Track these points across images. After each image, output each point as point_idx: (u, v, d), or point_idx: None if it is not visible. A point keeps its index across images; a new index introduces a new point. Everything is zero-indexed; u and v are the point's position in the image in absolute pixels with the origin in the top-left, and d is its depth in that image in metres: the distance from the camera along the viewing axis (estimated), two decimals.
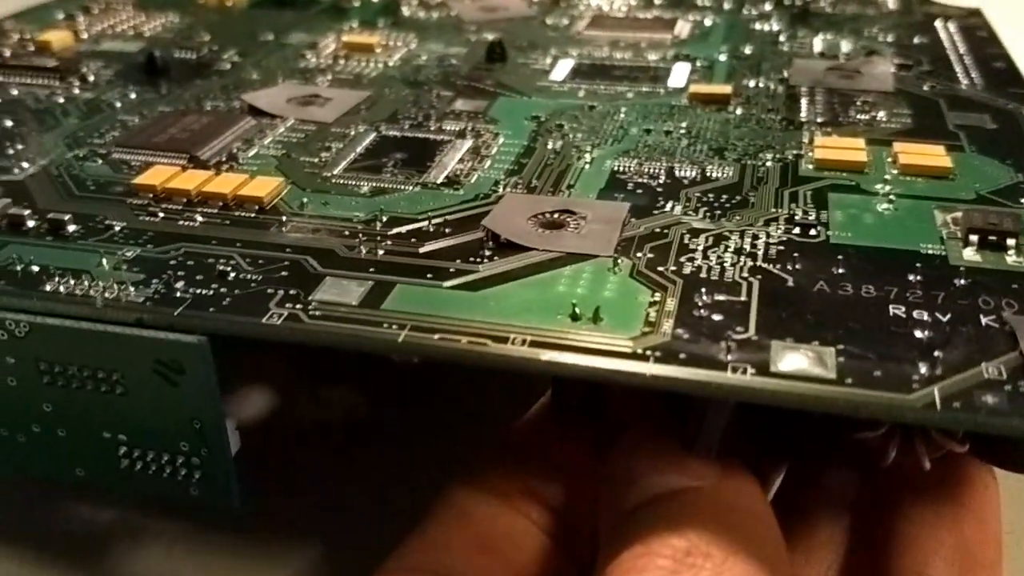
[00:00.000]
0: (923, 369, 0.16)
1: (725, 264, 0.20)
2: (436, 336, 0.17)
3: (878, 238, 0.21)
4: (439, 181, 0.24)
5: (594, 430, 0.20)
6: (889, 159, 0.25)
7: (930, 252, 0.20)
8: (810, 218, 0.22)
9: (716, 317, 0.18)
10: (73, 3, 0.41)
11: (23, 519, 0.26)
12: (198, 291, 0.19)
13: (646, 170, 0.24)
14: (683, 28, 0.38)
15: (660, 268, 0.19)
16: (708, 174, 0.24)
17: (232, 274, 0.19)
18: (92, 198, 0.23)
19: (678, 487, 0.18)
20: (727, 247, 0.20)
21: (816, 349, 0.17)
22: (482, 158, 0.25)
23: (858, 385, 0.16)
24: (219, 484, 0.20)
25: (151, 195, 0.23)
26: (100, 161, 0.26)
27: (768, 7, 0.41)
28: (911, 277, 0.19)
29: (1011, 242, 0.20)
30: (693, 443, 0.18)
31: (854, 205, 0.22)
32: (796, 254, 0.20)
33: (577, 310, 0.18)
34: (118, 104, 0.30)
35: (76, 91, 0.31)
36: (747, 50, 0.35)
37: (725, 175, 0.24)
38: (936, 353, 0.16)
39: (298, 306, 0.18)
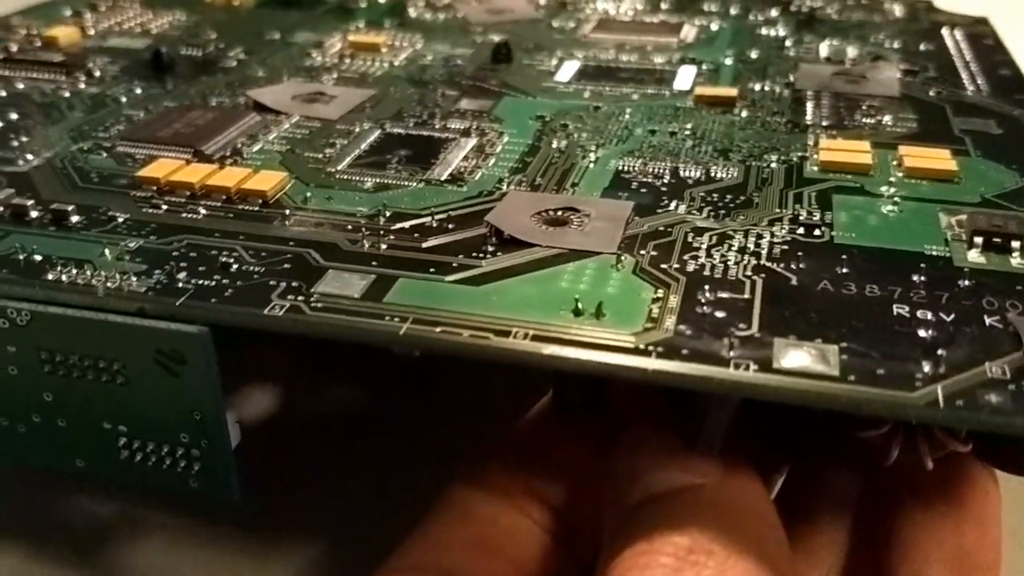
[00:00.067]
0: (926, 367, 0.16)
1: (729, 262, 0.19)
2: (438, 329, 0.17)
3: (882, 239, 0.21)
4: (443, 178, 0.24)
5: (596, 427, 0.20)
6: (894, 162, 0.25)
7: (934, 254, 0.20)
8: (814, 219, 0.21)
9: (719, 314, 0.18)
10: (81, 0, 0.42)
11: (24, 512, 0.26)
12: (200, 282, 0.19)
13: (651, 170, 0.24)
14: (689, 32, 0.38)
15: (663, 265, 0.19)
16: (713, 175, 0.24)
17: (235, 266, 0.19)
18: (96, 190, 0.23)
19: (681, 484, 0.18)
20: (731, 246, 0.20)
21: (819, 346, 0.16)
22: (486, 156, 0.25)
23: (861, 382, 0.16)
24: (219, 476, 0.20)
25: (155, 188, 0.23)
26: (104, 154, 0.26)
27: (774, 13, 0.41)
28: (915, 278, 0.19)
29: (1016, 245, 0.20)
30: (695, 440, 0.18)
31: (858, 207, 0.22)
32: (800, 254, 0.20)
33: (580, 305, 0.18)
34: (123, 99, 0.30)
35: (82, 86, 0.31)
36: (753, 55, 0.35)
37: (730, 176, 0.24)
38: (939, 352, 0.16)
39: (300, 298, 0.18)
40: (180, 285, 0.19)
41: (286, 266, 0.19)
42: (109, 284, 0.19)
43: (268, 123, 0.28)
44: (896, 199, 0.23)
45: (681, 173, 0.24)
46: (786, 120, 0.28)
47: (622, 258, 0.20)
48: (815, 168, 0.24)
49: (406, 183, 0.24)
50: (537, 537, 0.20)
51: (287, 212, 0.22)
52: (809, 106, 0.29)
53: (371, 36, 0.36)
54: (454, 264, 0.19)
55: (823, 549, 0.20)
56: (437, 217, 0.22)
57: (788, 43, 0.37)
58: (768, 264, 0.19)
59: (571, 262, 0.20)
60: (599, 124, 0.28)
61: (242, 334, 0.18)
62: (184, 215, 0.22)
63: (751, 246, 0.20)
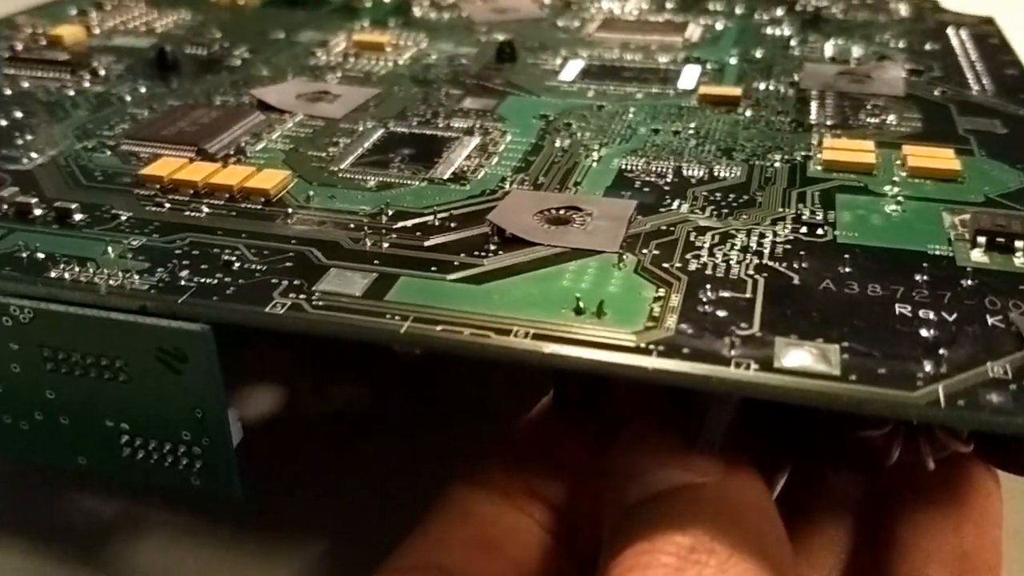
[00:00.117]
0: (928, 367, 0.16)
1: (731, 262, 0.19)
2: (438, 328, 0.17)
3: (885, 239, 0.21)
4: (446, 177, 0.24)
5: (596, 426, 0.20)
6: (898, 161, 0.25)
7: (937, 253, 0.20)
8: (817, 218, 0.21)
9: (720, 313, 0.18)
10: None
11: (27, 510, 0.26)
12: (202, 280, 0.19)
13: (654, 169, 0.24)
14: (694, 32, 0.38)
15: (665, 264, 0.19)
16: (716, 174, 0.24)
17: (237, 264, 0.19)
18: (99, 188, 0.23)
19: (681, 483, 0.18)
20: (733, 245, 0.20)
21: (820, 346, 0.16)
22: (489, 155, 0.25)
23: (862, 382, 0.16)
24: (220, 474, 0.20)
25: (158, 186, 0.23)
26: (109, 152, 0.26)
27: (780, 12, 0.41)
28: (918, 277, 0.19)
29: (1019, 244, 0.20)
30: (696, 439, 0.18)
31: (862, 206, 0.22)
32: (802, 253, 0.20)
33: (581, 304, 0.18)
34: (128, 98, 0.30)
35: (87, 84, 0.31)
36: (758, 54, 0.35)
37: (733, 175, 0.24)
38: (941, 351, 0.16)
39: (301, 296, 0.18)
40: (182, 283, 0.19)
41: (288, 264, 0.19)
42: (111, 282, 0.19)
43: (272, 122, 0.28)
44: (899, 198, 0.23)
45: (684, 172, 0.24)
46: (790, 119, 0.28)
47: (624, 257, 0.20)
48: (819, 167, 0.24)
49: (409, 182, 0.24)
50: (538, 536, 0.20)
51: (289, 211, 0.22)
52: (813, 105, 0.29)
53: (376, 35, 0.36)
54: (456, 263, 0.19)
55: (824, 549, 0.20)
56: (439, 216, 0.22)
57: (793, 42, 0.37)
58: (770, 263, 0.19)
59: (573, 261, 0.20)
60: (603, 123, 0.28)
61: (244, 332, 0.18)
62: (187, 213, 0.22)
63: (753, 245, 0.20)
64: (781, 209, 0.22)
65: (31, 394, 0.20)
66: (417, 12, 0.41)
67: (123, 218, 0.22)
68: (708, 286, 0.18)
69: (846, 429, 0.18)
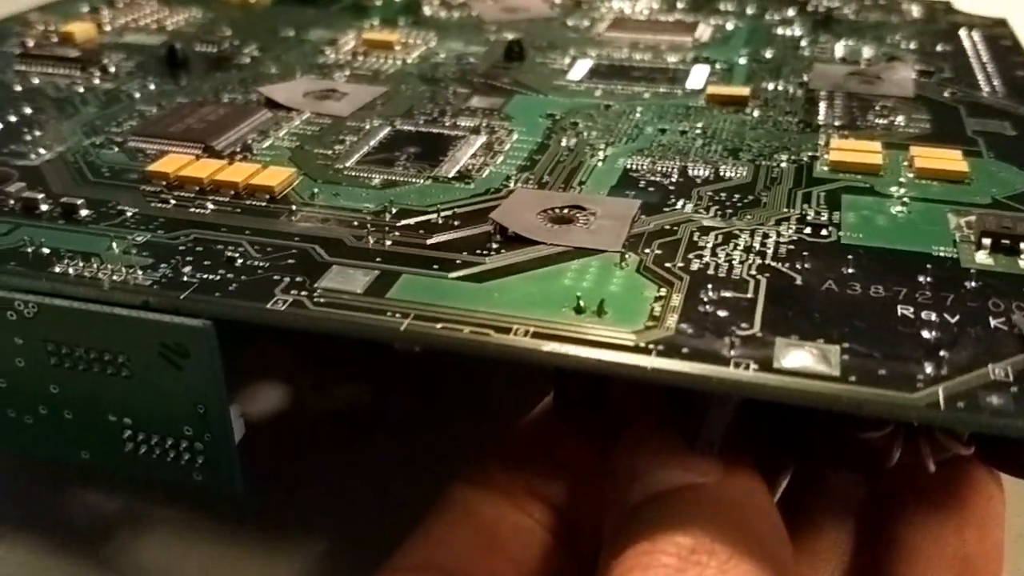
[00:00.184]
0: (928, 369, 0.16)
1: (733, 262, 0.19)
2: (439, 325, 0.17)
3: (890, 240, 0.20)
4: (450, 175, 0.24)
5: (597, 425, 0.20)
6: (905, 163, 0.24)
7: (942, 254, 0.20)
8: (822, 218, 0.21)
9: (721, 313, 0.18)
10: None
11: (31, 506, 0.26)
12: (205, 276, 0.19)
13: (659, 169, 0.24)
14: (704, 32, 0.38)
15: (667, 264, 0.19)
16: (721, 174, 0.24)
17: (239, 260, 0.20)
18: (106, 184, 0.24)
19: (682, 483, 0.18)
20: (736, 245, 0.20)
21: (821, 346, 0.16)
22: (494, 154, 0.25)
23: (862, 383, 0.15)
24: (222, 470, 0.20)
25: (164, 182, 0.23)
26: (116, 149, 0.26)
27: (791, 13, 0.41)
28: (921, 278, 0.19)
29: None
30: (695, 439, 0.18)
31: (867, 207, 0.22)
32: (806, 253, 0.20)
33: (581, 303, 0.18)
34: (137, 95, 0.30)
35: (96, 81, 0.32)
36: (768, 54, 0.35)
37: (738, 175, 0.24)
38: (942, 353, 0.16)
39: (303, 293, 0.18)
40: (185, 279, 0.19)
41: (290, 261, 0.20)
42: (115, 277, 0.19)
43: (279, 119, 0.28)
44: (905, 200, 0.22)
45: (690, 172, 0.24)
46: (798, 120, 0.28)
47: (626, 256, 0.20)
48: (825, 168, 0.24)
49: (414, 180, 0.24)
50: (539, 536, 0.20)
51: (294, 208, 0.22)
52: (822, 106, 0.29)
53: (385, 34, 0.37)
54: (458, 261, 0.19)
55: (826, 551, 0.20)
56: (443, 214, 0.22)
57: (804, 43, 0.37)
58: (773, 264, 0.19)
59: (575, 260, 0.20)
60: (609, 123, 0.28)
61: (246, 329, 0.18)
62: (192, 210, 0.22)
63: (757, 245, 0.20)
64: (786, 209, 0.22)
65: (35, 388, 0.20)
66: (427, 11, 0.41)
67: (128, 214, 0.22)
68: (710, 286, 0.18)
69: (847, 430, 0.18)
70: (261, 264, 0.19)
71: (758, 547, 0.16)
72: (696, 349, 0.16)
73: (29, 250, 0.20)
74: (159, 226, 0.21)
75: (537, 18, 0.40)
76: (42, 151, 0.25)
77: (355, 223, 0.21)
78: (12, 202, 0.22)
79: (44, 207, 0.22)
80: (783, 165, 0.25)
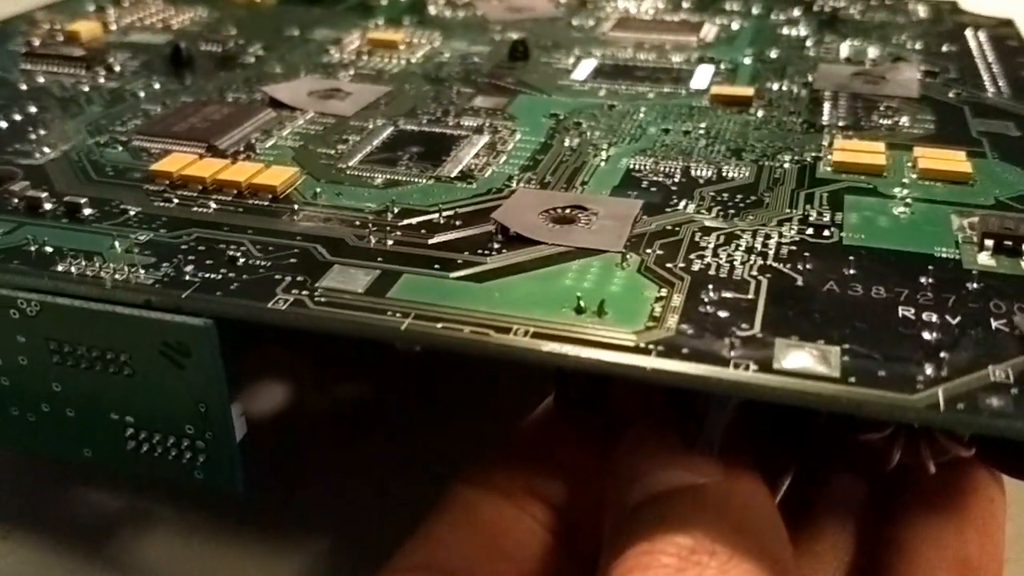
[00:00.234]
0: (928, 370, 0.16)
1: (735, 262, 0.19)
2: (439, 325, 0.17)
3: (892, 241, 0.20)
4: (453, 175, 0.24)
5: (598, 425, 0.20)
6: (909, 163, 0.24)
7: (944, 256, 0.20)
8: (824, 219, 0.21)
9: (722, 314, 0.17)
10: None
11: (34, 504, 0.26)
12: (207, 275, 0.19)
13: (662, 169, 0.24)
14: (709, 31, 0.38)
15: (669, 265, 0.19)
16: (724, 174, 0.24)
17: (241, 260, 0.20)
18: (110, 183, 0.24)
19: (682, 484, 0.18)
20: (738, 246, 0.20)
21: (821, 347, 0.16)
22: (497, 153, 0.25)
23: (861, 384, 0.15)
24: (224, 469, 0.20)
25: (167, 182, 0.23)
26: (120, 148, 0.26)
27: (796, 13, 0.41)
28: (923, 280, 0.19)
29: None
30: (695, 440, 0.18)
31: (870, 208, 0.22)
32: (807, 254, 0.20)
33: (582, 303, 0.18)
34: (142, 94, 0.30)
35: (101, 80, 0.32)
36: (773, 54, 0.35)
37: (741, 175, 0.24)
38: (943, 355, 0.16)
39: (304, 292, 0.18)
40: (187, 278, 0.19)
41: (292, 261, 0.20)
42: (117, 276, 0.19)
43: (283, 119, 0.28)
44: (908, 200, 0.22)
45: (692, 172, 0.24)
46: (802, 120, 0.28)
47: (627, 256, 0.20)
48: (828, 168, 0.24)
49: (416, 180, 0.24)
50: (539, 536, 0.20)
51: (296, 207, 0.22)
52: (826, 106, 0.29)
53: (390, 33, 0.37)
54: (459, 261, 0.20)
55: (827, 552, 0.20)
56: (445, 214, 0.22)
57: (809, 43, 0.37)
58: (774, 264, 0.19)
59: (576, 260, 0.20)
60: (613, 123, 0.28)
61: (248, 330, 0.18)
62: (195, 209, 0.22)
63: (758, 246, 0.20)
64: (788, 210, 0.22)
65: (38, 386, 0.20)
66: (432, 11, 0.41)
67: (131, 213, 0.22)
68: (711, 286, 0.18)
69: (847, 432, 0.18)
70: (263, 263, 0.19)
71: (758, 547, 0.16)
72: (696, 350, 0.16)
73: (32, 249, 0.20)
74: (162, 225, 0.21)
75: (542, 18, 0.40)
76: (46, 150, 0.26)
77: (357, 223, 0.21)
78: (16, 201, 0.22)
79: (48, 206, 0.22)
80: (786, 166, 0.25)
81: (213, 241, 0.20)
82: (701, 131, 0.27)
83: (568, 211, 0.22)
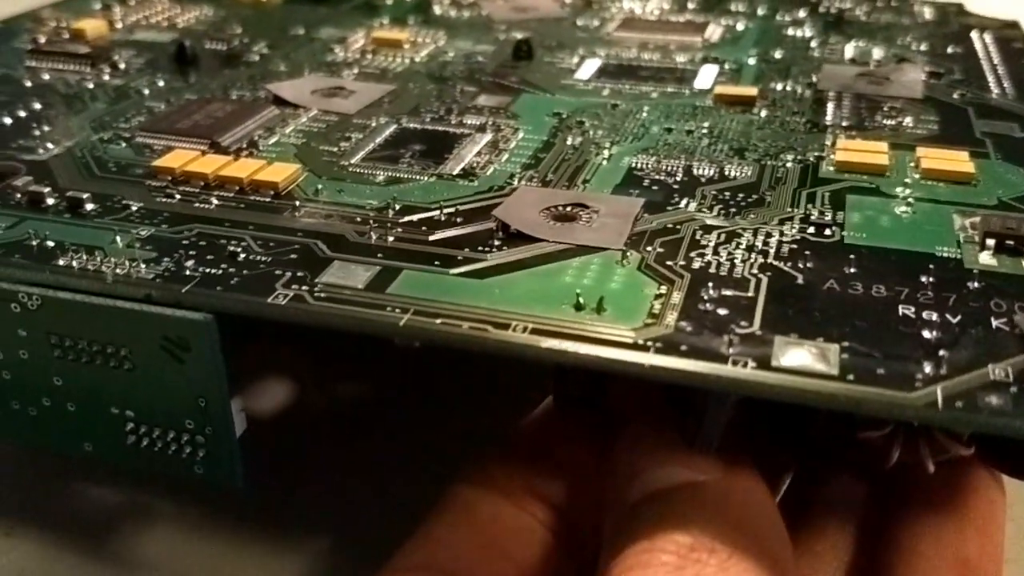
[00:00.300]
0: (928, 368, 0.16)
1: (735, 260, 0.19)
2: (438, 321, 0.17)
3: (893, 240, 0.20)
4: (455, 173, 0.24)
5: (596, 424, 0.20)
6: (912, 163, 0.24)
7: (945, 255, 0.20)
8: (826, 218, 0.21)
9: (721, 311, 0.17)
10: None
11: (36, 499, 0.26)
12: (207, 270, 0.19)
13: (664, 167, 0.24)
14: (714, 32, 0.38)
15: (669, 262, 0.19)
16: (726, 173, 0.24)
17: (242, 255, 0.20)
18: (112, 179, 0.24)
19: (681, 481, 0.18)
20: (739, 244, 0.20)
21: (820, 345, 0.16)
22: (500, 152, 0.25)
23: (860, 382, 0.15)
24: (223, 464, 0.20)
25: (170, 177, 0.23)
26: (124, 144, 0.26)
27: (802, 14, 0.41)
28: (923, 279, 0.19)
29: None
30: (694, 438, 0.18)
31: (872, 207, 0.22)
32: (808, 253, 0.20)
33: (581, 300, 0.18)
34: (146, 91, 0.30)
35: (106, 77, 0.32)
36: (777, 55, 0.35)
37: (743, 174, 0.24)
38: (942, 353, 0.16)
39: (304, 288, 0.18)
40: (187, 273, 0.19)
41: (292, 256, 0.20)
42: (118, 271, 0.19)
43: (286, 116, 0.28)
44: (910, 200, 0.22)
45: (694, 171, 0.24)
46: (805, 120, 0.28)
47: (627, 254, 0.20)
48: (831, 168, 0.24)
49: (418, 177, 0.24)
50: (539, 535, 0.20)
51: (297, 204, 0.22)
52: (830, 107, 0.29)
53: (395, 32, 0.37)
54: (459, 257, 0.20)
55: (827, 552, 0.20)
56: (446, 211, 0.22)
57: (814, 44, 0.37)
58: (775, 263, 0.19)
59: (576, 257, 0.20)
60: (616, 122, 0.28)
61: (249, 325, 0.18)
62: (196, 205, 0.22)
63: (759, 244, 0.20)
64: (790, 209, 0.22)
65: (39, 380, 0.20)
66: (437, 10, 0.41)
67: (133, 208, 0.22)
68: (711, 284, 0.18)
69: (847, 430, 0.18)
70: (263, 259, 0.19)
71: (757, 545, 0.16)
72: (694, 347, 0.16)
73: (34, 243, 0.20)
74: (163, 220, 0.21)
75: (547, 17, 0.40)
76: (50, 146, 0.26)
77: (358, 219, 0.21)
78: (19, 196, 0.22)
79: (50, 201, 0.22)
80: (788, 165, 0.24)
81: (214, 237, 0.20)
82: (704, 130, 0.27)
83: (569, 209, 0.22)
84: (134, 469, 0.21)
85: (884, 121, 0.28)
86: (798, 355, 0.16)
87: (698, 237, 0.20)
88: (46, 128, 0.27)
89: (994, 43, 0.37)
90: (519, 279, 0.19)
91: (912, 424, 0.17)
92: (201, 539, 0.25)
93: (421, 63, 0.34)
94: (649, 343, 0.16)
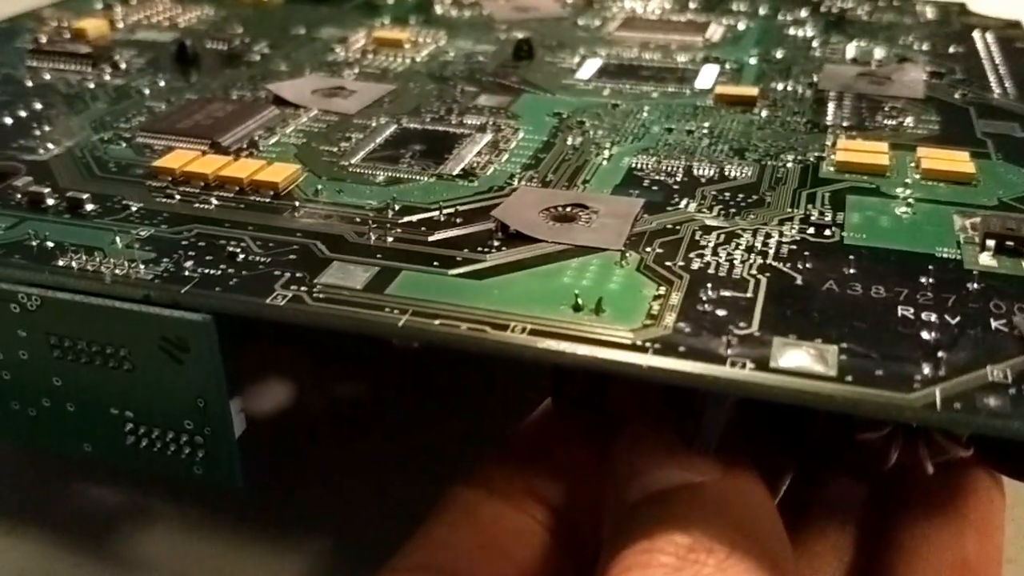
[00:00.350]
0: (926, 369, 0.16)
1: (734, 261, 0.19)
2: (437, 322, 0.17)
3: (893, 241, 0.20)
4: (455, 173, 0.24)
5: (595, 425, 0.20)
6: (912, 164, 0.24)
7: (945, 256, 0.20)
8: (826, 219, 0.21)
9: (720, 312, 0.17)
10: None
11: (35, 499, 0.27)
12: (206, 271, 0.19)
13: (664, 168, 0.24)
14: (715, 31, 0.38)
15: (668, 263, 0.19)
16: (726, 173, 0.24)
17: (241, 256, 0.20)
18: (112, 179, 0.24)
19: (679, 482, 0.18)
20: (738, 244, 0.20)
21: (818, 346, 0.16)
22: (500, 152, 0.25)
23: (858, 383, 0.15)
24: (222, 464, 0.20)
25: (170, 178, 0.23)
26: (124, 144, 0.26)
27: (804, 13, 0.41)
28: (923, 280, 0.19)
29: None
30: (693, 439, 0.18)
31: (872, 207, 0.22)
32: (807, 253, 0.20)
33: (579, 301, 0.18)
34: (147, 91, 0.30)
35: (107, 77, 0.32)
36: (778, 54, 0.35)
37: (743, 175, 0.24)
38: (941, 354, 0.16)
39: (303, 288, 0.18)
40: (186, 273, 0.19)
41: (291, 257, 0.20)
42: (117, 271, 0.19)
43: (286, 116, 0.28)
44: (911, 201, 0.22)
45: (695, 171, 0.24)
46: (806, 120, 0.28)
47: (626, 255, 0.20)
48: (831, 168, 0.24)
49: (417, 177, 0.24)
50: (539, 536, 0.20)
51: (297, 204, 0.22)
52: (831, 107, 0.29)
53: (395, 32, 0.37)
54: (458, 258, 0.20)
55: (826, 553, 0.20)
56: (445, 211, 0.22)
57: (815, 43, 0.37)
58: (774, 263, 0.19)
59: (575, 258, 0.19)
60: (616, 122, 0.28)
61: (248, 325, 0.18)
62: (196, 205, 0.22)
63: (758, 245, 0.20)
64: (790, 209, 0.22)
65: (38, 381, 0.20)
66: (439, 10, 0.41)
67: (133, 209, 0.22)
68: (709, 285, 0.18)
69: (845, 432, 0.18)
70: (262, 259, 0.19)
71: (756, 546, 0.16)
72: (693, 348, 0.16)
73: (34, 244, 0.20)
74: (163, 221, 0.21)
75: (548, 17, 0.40)
76: (51, 146, 0.26)
77: (357, 219, 0.21)
78: (19, 196, 0.22)
79: (50, 201, 0.22)
80: (789, 165, 0.24)
81: (214, 237, 0.20)
82: (704, 131, 0.27)
83: (569, 209, 0.22)
84: (134, 469, 0.21)
85: (885, 121, 0.28)
86: (796, 356, 0.16)
87: (697, 238, 0.20)
88: (47, 128, 0.27)
89: (996, 43, 0.37)
90: (518, 280, 0.19)
91: (911, 425, 0.17)
92: (201, 539, 0.25)
93: (422, 63, 0.34)
94: (648, 344, 0.16)
